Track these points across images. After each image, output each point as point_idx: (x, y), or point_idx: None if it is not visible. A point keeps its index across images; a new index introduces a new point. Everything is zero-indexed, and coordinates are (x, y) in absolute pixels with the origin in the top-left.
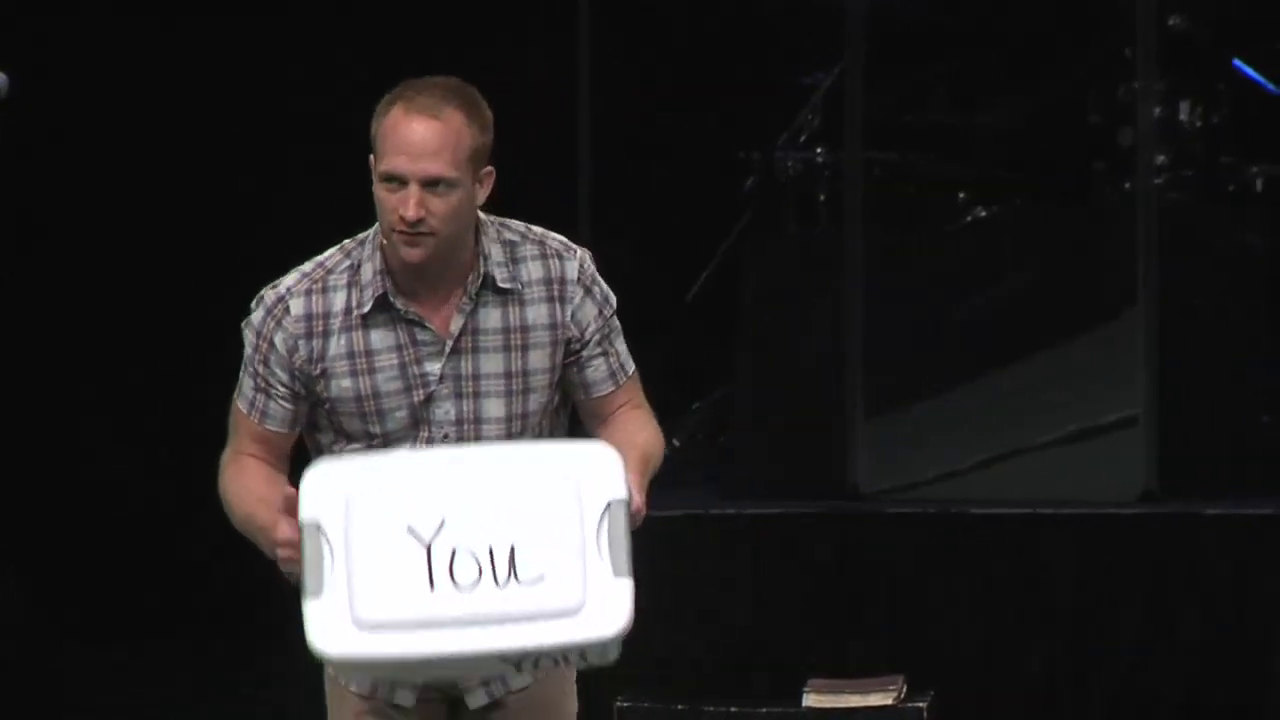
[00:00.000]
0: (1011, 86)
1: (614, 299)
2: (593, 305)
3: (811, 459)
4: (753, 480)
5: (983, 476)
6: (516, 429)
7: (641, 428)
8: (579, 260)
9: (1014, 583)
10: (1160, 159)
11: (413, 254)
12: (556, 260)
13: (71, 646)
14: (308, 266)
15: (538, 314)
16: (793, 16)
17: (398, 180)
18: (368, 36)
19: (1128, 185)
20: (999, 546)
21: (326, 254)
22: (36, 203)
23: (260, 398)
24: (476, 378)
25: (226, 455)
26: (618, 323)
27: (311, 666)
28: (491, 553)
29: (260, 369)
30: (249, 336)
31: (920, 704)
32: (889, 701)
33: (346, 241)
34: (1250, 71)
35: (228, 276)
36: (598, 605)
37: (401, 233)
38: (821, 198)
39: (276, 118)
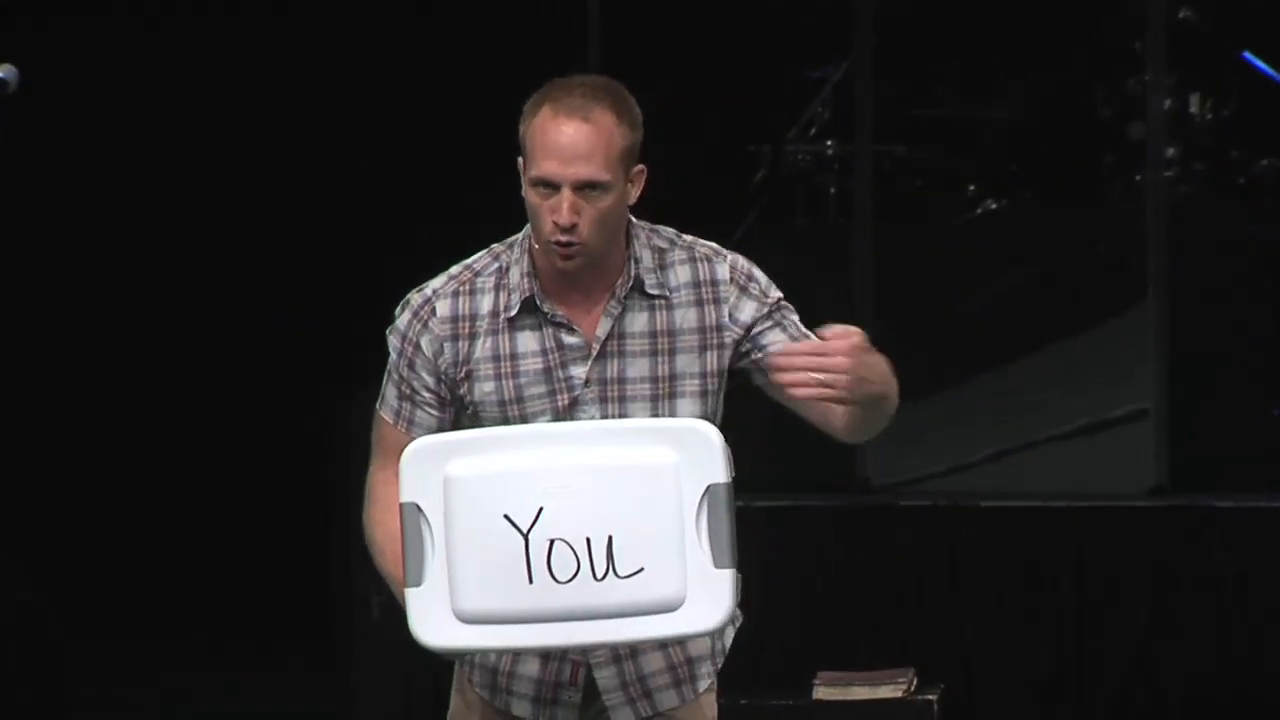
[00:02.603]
0: (1020, 80)
1: (776, 290)
2: (750, 300)
3: (821, 452)
4: (763, 473)
5: (992, 470)
6: None
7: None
8: (729, 262)
9: (1023, 576)
10: (1170, 152)
11: (568, 265)
12: (705, 264)
13: (80, 644)
14: (455, 269)
15: (685, 318)
16: (801, 10)
17: (550, 185)
18: (372, 37)
19: (1137, 178)
20: (1009, 540)
21: (474, 257)
22: (40, 203)
23: (406, 406)
24: (622, 382)
25: (371, 477)
26: (790, 306)
27: (326, 665)
28: (589, 544)
29: (405, 373)
30: (393, 341)
31: (930, 696)
32: (899, 694)
33: (495, 245)
34: (1260, 64)
35: (230, 276)
36: (698, 599)
37: (556, 242)
38: (831, 191)
39: (277, 117)
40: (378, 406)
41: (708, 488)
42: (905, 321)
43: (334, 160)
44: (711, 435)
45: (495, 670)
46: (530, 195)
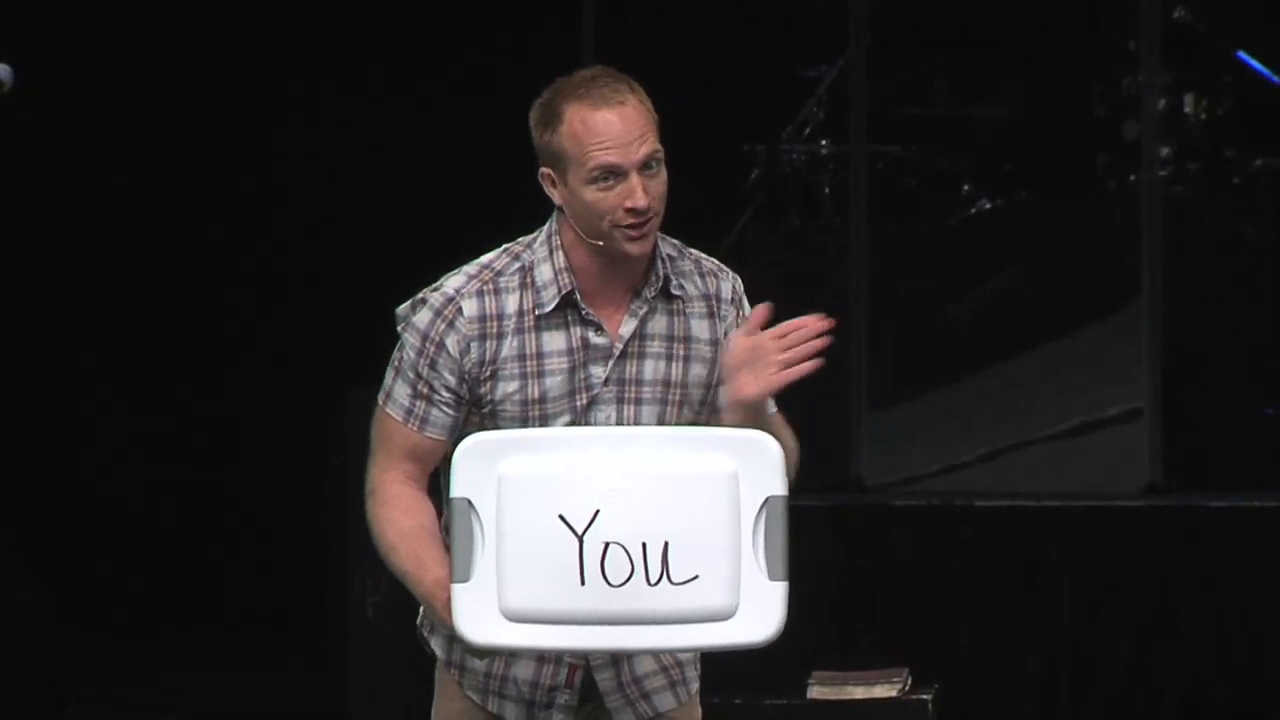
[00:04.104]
0: (1015, 79)
1: None
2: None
3: (815, 452)
4: None
5: (987, 469)
6: None
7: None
8: (731, 281)
9: (1018, 575)
10: (1164, 151)
11: (641, 246)
12: (712, 278)
13: (80, 644)
14: (471, 269)
15: (699, 328)
16: (797, 9)
17: (614, 174)
18: (372, 37)
19: (1132, 177)
20: (1003, 539)
21: (490, 257)
22: (40, 202)
23: (420, 404)
24: (639, 383)
25: (373, 478)
26: None
27: (323, 664)
28: (645, 549)
29: (425, 372)
30: (411, 340)
31: (925, 696)
32: (893, 694)
33: (511, 245)
34: (1254, 64)
35: (230, 276)
36: (750, 610)
37: (631, 226)
38: (826, 190)
39: (277, 117)
40: (382, 405)
41: (766, 499)
42: (900, 321)
43: (334, 160)
44: (771, 446)
45: (487, 674)
46: (586, 193)
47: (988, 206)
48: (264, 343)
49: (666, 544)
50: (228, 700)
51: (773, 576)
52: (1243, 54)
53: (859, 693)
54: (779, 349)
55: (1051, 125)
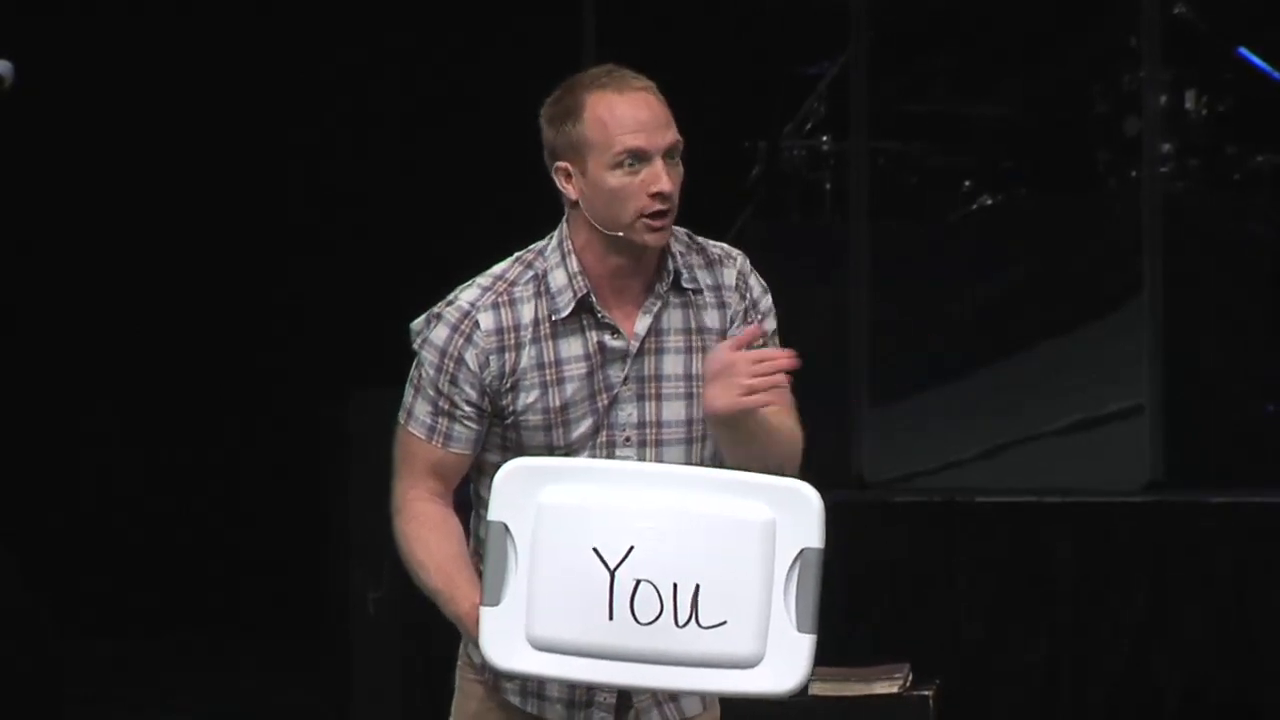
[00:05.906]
0: (1016, 76)
1: (767, 303)
2: (742, 309)
3: (816, 448)
4: None
5: (987, 466)
6: (698, 433)
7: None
8: (737, 266)
9: (1018, 572)
10: (1165, 148)
11: (659, 237)
12: (719, 267)
13: (80, 644)
14: (485, 281)
15: (712, 319)
16: (797, 6)
17: (640, 159)
18: (373, 35)
19: (1133, 174)
20: (1004, 535)
21: (501, 267)
22: (39, 204)
23: (442, 421)
24: (659, 379)
25: (398, 496)
26: (774, 325)
27: (324, 663)
28: (676, 589)
29: (445, 388)
30: (429, 357)
31: (925, 692)
32: (894, 690)
33: (522, 253)
34: (1255, 60)
35: (231, 276)
36: (776, 660)
37: (656, 214)
38: (826, 187)
39: (277, 117)
40: (404, 424)
41: (801, 550)
42: (901, 318)
43: (334, 161)
44: (812, 498)
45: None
46: (611, 179)
47: (989, 203)
48: (265, 342)
49: (698, 586)
50: (228, 700)
51: (801, 629)
52: (1244, 50)
53: (860, 689)
54: (749, 373)
55: (1052, 122)
